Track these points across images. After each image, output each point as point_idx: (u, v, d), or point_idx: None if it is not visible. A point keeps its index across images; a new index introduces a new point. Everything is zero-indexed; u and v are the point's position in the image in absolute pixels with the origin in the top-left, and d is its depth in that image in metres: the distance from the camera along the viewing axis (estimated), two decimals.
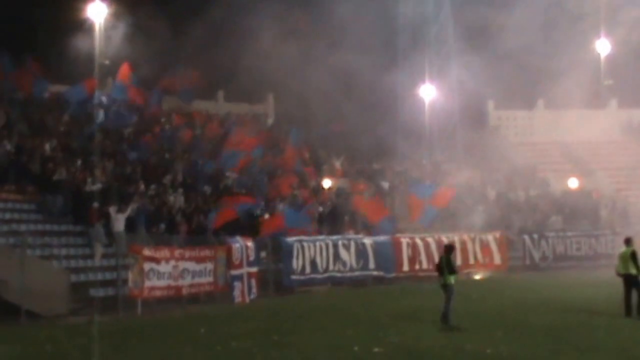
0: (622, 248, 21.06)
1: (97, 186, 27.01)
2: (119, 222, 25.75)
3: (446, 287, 18.94)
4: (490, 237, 33.92)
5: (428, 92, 47.70)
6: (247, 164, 33.63)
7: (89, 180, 27.49)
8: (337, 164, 41.24)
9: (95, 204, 26.03)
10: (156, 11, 37.00)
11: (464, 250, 33.05)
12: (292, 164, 36.21)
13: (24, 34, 40.90)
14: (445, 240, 32.53)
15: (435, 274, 31.37)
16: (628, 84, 47.10)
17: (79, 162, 28.87)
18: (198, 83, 38.59)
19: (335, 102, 40.58)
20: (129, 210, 26.23)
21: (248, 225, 28.53)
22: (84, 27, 34.04)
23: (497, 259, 33.66)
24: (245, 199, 29.90)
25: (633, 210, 41.60)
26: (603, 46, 50.32)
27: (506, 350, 15.54)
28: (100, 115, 32.92)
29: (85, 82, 33.18)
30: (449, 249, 19.73)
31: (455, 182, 38.06)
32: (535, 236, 35.86)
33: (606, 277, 27.15)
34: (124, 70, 34.52)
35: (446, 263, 19.07)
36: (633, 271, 20.06)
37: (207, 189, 31.50)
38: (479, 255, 33.22)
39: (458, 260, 32.76)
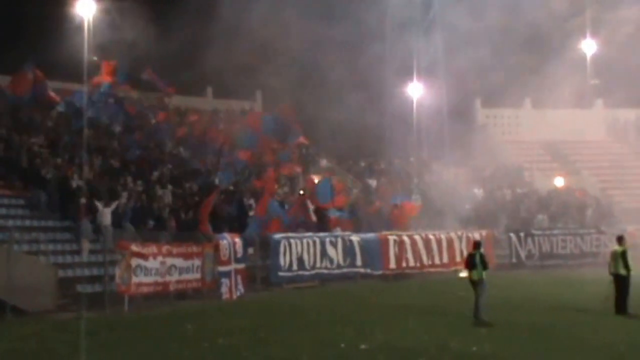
0: (614, 246, 21.21)
1: (81, 182, 26.96)
2: (106, 217, 25.74)
3: (477, 282, 19.20)
4: (476, 235, 34.00)
5: (416, 90, 47.84)
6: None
7: (76, 175, 27.45)
8: (325, 162, 41.32)
9: (83, 200, 25.99)
10: (144, 8, 36.96)
11: (451, 248, 33.25)
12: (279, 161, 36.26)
13: (13, 30, 40.79)
14: (431, 237, 32.86)
15: (421, 271, 32.27)
16: (614, 83, 47.40)
17: (67, 157, 28.82)
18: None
19: (323, 99, 40.63)
20: (115, 204, 26.22)
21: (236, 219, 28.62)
22: (73, 23, 33.95)
23: None
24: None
25: (618, 209, 41.94)
26: (589, 46, 50.65)
27: (491, 348, 15.65)
28: (89, 110, 32.83)
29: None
30: (478, 245, 20.07)
31: (443, 180, 38.25)
32: (522, 234, 36.05)
33: (592, 275, 27.46)
34: (109, 67, 34.35)
35: (480, 259, 19.35)
36: (622, 271, 20.23)
37: (195, 186, 31.51)
38: (466, 253, 33.31)
39: (445, 258, 33.14)
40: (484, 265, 19.34)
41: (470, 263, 19.62)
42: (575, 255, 36.47)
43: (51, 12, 36.52)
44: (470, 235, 33.79)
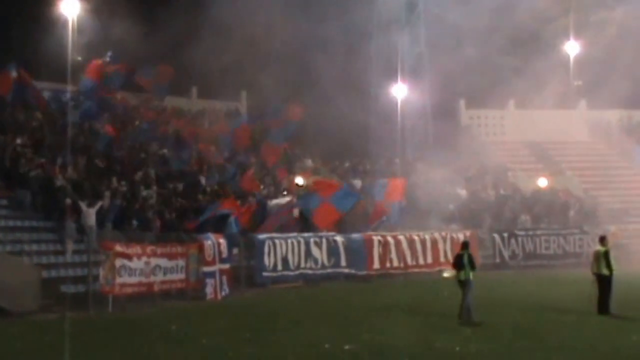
0: (597, 246, 21.37)
1: (65, 182, 26.86)
2: (90, 217, 25.66)
3: (465, 282, 19.35)
4: (461, 236, 34.14)
5: (400, 91, 47.94)
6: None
7: (60, 175, 27.34)
8: (310, 162, 41.35)
9: (68, 200, 25.89)
10: (129, 7, 36.86)
11: (435, 248, 33.37)
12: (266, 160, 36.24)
13: None
14: (415, 237, 32.94)
15: (405, 271, 32.34)
16: (597, 85, 47.66)
17: (51, 157, 28.70)
18: (171, 78, 38.40)
19: (308, 100, 40.65)
20: (99, 205, 26.14)
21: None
22: (57, 22, 33.80)
23: None
24: (229, 204, 29.71)
25: (601, 210, 42.19)
26: (572, 47, 50.93)
27: (475, 347, 15.74)
28: (72, 110, 32.69)
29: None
30: (466, 245, 20.25)
31: (428, 180, 38.31)
32: (505, 235, 36.23)
33: (575, 276, 27.62)
34: (94, 67, 34.15)
35: (468, 259, 19.49)
36: (605, 271, 20.37)
37: (179, 185, 31.48)
38: (449, 254, 33.46)
39: (429, 258, 33.25)
40: (472, 266, 19.49)
41: (458, 263, 19.77)
42: (559, 255, 36.69)
43: (36, 11, 36.35)
44: (454, 235, 33.97)
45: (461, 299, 19.34)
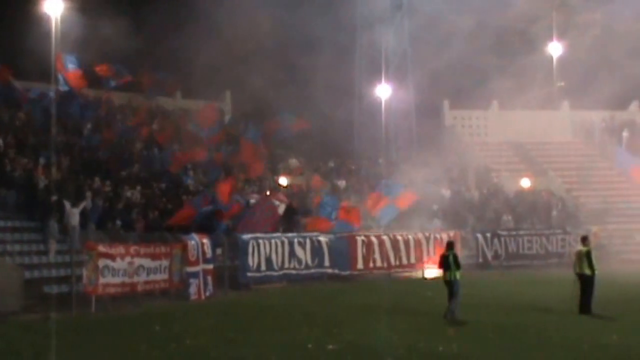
0: (578, 246, 21.54)
1: (49, 182, 26.76)
2: (74, 217, 25.58)
3: (452, 282, 19.44)
4: (444, 236, 34.25)
5: (384, 92, 48.06)
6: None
7: (43, 175, 27.24)
8: (294, 162, 41.37)
9: (51, 199, 25.79)
10: (113, 6, 36.76)
11: (418, 248, 33.46)
12: (250, 160, 36.19)
13: None
14: (399, 237, 33.02)
15: (389, 271, 32.41)
16: (580, 85, 47.98)
17: (34, 157, 28.58)
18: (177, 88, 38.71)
19: (293, 100, 40.70)
20: (82, 205, 26.06)
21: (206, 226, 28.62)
22: (40, 22, 33.66)
23: None
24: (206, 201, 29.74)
25: (583, 210, 42.48)
26: (555, 49, 51.21)
27: (458, 348, 15.82)
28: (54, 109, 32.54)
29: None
30: (451, 246, 20.38)
31: (411, 181, 38.42)
32: (488, 235, 36.37)
33: (557, 275, 27.79)
34: (58, 61, 34.02)
35: (453, 259, 19.62)
36: (587, 271, 20.53)
37: (163, 185, 31.42)
38: (432, 254, 33.60)
39: (412, 258, 33.35)
40: (458, 266, 19.61)
41: (444, 264, 19.87)
42: (541, 255, 36.86)
43: (18, 10, 36.18)
44: (437, 236, 34.08)
45: (448, 299, 19.46)
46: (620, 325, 18.70)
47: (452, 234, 34.33)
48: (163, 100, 42.52)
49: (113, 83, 35.24)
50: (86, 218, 26.15)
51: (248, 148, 35.67)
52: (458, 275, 19.63)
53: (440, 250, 33.63)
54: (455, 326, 18.44)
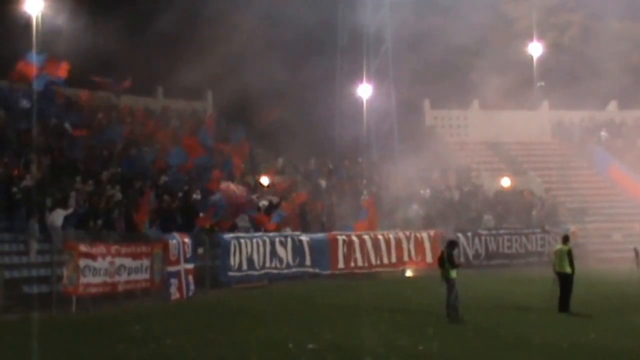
0: (558, 245, 21.74)
1: (29, 182, 26.62)
2: (58, 218, 25.44)
3: (448, 280, 19.58)
4: (425, 235, 34.46)
5: (365, 91, 48.17)
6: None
7: (24, 175, 27.09)
8: (277, 162, 41.41)
9: (32, 199, 25.65)
10: (93, 5, 36.64)
11: (399, 248, 33.58)
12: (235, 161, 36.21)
13: None
14: (380, 237, 33.14)
15: (370, 271, 32.54)
16: (559, 85, 48.33)
17: (14, 157, 28.42)
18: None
19: (274, 100, 40.75)
20: (71, 209, 25.95)
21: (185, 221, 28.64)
22: (20, 21, 33.45)
23: (430, 257, 33.92)
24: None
25: (561, 210, 42.82)
26: (535, 49, 51.52)
27: (437, 346, 15.91)
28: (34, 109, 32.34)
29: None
30: (451, 245, 20.55)
31: (392, 180, 38.62)
32: (469, 234, 36.54)
33: (536, 274, 28.01)
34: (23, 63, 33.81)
35: (448, 258, 19.76)
36: (568, 270, 20.73)
37: (143, 184, 31.34)
38: (413, 253, 33.76)
39: (393, 258, 33.47)
40: (452, 264, 19.76)
41: (440, 263, 20.13)
42: (521, 254, 37.11)
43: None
44: (418, 235, 34.23)
45: (446, 298, 19.58)
46: (598, 323, 18.88)
47: (432, 233, 34.55)
48: (144, 100, 42.47)
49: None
50: (68, 218, 25.99)
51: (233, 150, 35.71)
52: (453, 273, 19.78)
53: (420, 249, 34.12)
54: (460, 324, 18.65)
